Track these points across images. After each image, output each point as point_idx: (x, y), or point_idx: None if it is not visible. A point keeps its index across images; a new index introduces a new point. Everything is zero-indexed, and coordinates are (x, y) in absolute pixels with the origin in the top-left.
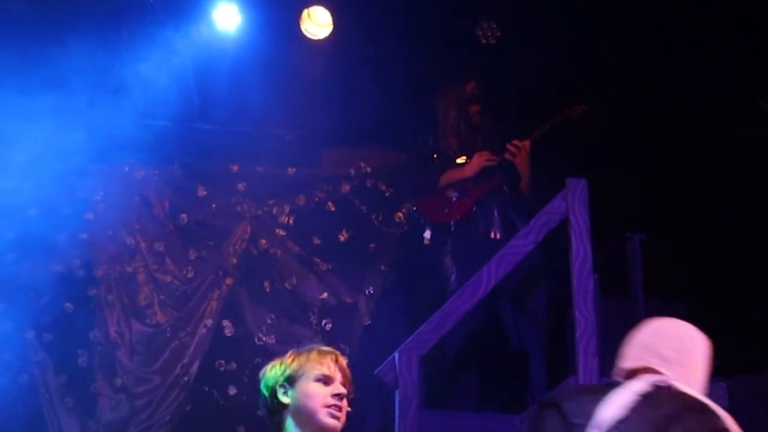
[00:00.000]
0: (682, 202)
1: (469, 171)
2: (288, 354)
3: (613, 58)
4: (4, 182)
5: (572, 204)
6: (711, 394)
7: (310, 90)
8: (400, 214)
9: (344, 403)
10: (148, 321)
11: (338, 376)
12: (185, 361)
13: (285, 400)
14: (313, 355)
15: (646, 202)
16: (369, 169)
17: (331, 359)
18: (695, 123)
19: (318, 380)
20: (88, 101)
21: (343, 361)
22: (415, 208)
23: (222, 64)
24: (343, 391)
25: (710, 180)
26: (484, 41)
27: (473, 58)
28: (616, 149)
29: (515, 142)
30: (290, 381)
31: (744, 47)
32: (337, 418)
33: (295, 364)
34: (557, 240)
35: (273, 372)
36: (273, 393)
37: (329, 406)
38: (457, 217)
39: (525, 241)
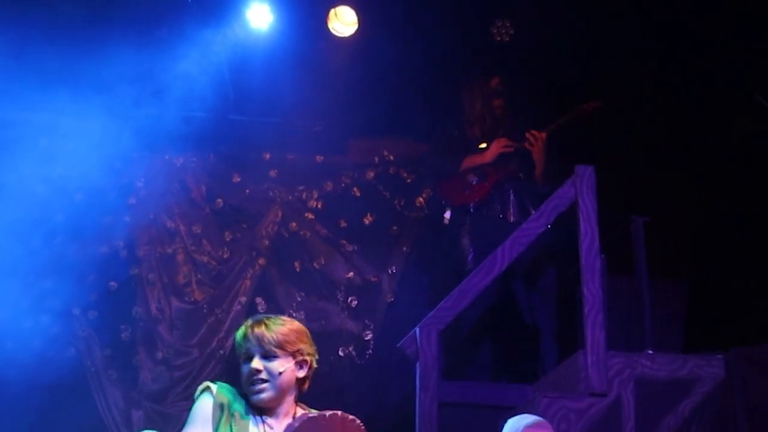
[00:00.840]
0: (683, 189)
1: (488, 156)
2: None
3: (620, 56)
4: (53, 169)
5: (581, 189)
6: (708, 366)
7: (336, 84)
8: (421, 199)
9: (263, 373)
10: (186, 298)
11: (257, 350)
12: (221, 335)
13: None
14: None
15: (649, 188)
16: (392, 158)
17: (249, 329)
18: (695, 117)
19: (241, 358)
20: (132, 96)
21: (262, 328)
22: (437, 191)
23: (255, 60)
24: (256, 365)
25: (708, 169)
26: (499, 38)
27: (489, 55)
28: (622, 139)
29: (533, 132)
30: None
31: (743, 46)
32: (259, 392)
33: None
34: (567, 223)
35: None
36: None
37: (249, 383)
38: (476, 200)
39: (537, 224)
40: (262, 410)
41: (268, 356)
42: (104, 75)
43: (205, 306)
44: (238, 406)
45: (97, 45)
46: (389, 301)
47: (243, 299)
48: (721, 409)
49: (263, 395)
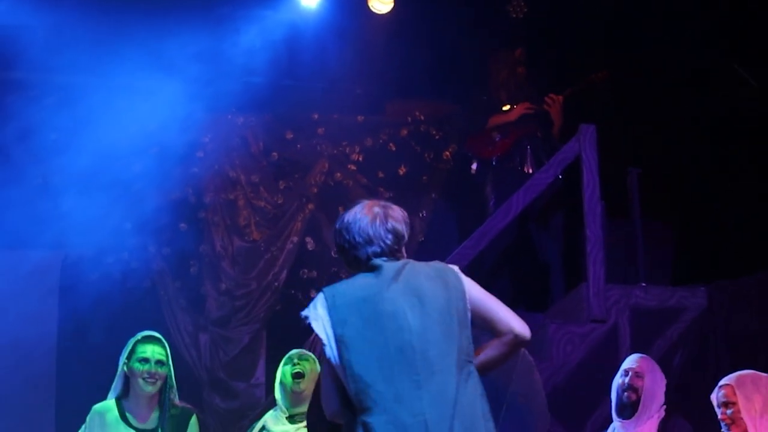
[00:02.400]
0: (672, 145)
1: (512, 116)
2: (400, 210)
3: (617, 31)
4: (131, 126)
5: (584, 145)
6: (692, 297)
7: (375, 54)
8: (447, 153)
9: None
10: (246, 238)
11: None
12: (276, 270)
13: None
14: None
15: (643, 144)
16: (422, 117)
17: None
18: (682, 83)
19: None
20: (200, 64)
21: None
22: (465, 145)
23: (305, 32)
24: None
25: (694, 126)
26: (514, 15)
27: (507, 29)
28: (620, 102)
29: (552, 95)
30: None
31: (728, 22)
32: None
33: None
34: (572, 173)
35: (405, 226)
36: (401, 243)
37: None
38: (498, 154)
39: (547, 175)
40: None
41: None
42: (177, 46)
43: (262, 244)
44: None
45: (171, 21)
46: (420, 240)
47: (294, 239)
48: (703, 333)
49: None
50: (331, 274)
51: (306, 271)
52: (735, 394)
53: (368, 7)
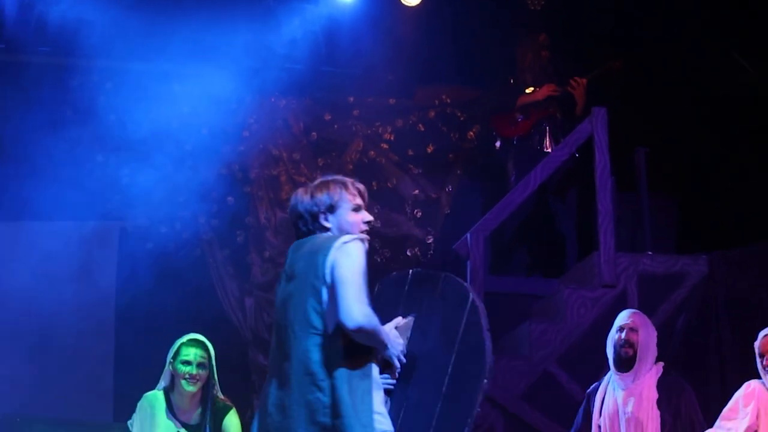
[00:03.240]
0: (676, 126)
1: (539, 95)
2: (319, 184)
3: (632, 19)
4: (182, 108)
5: (596, 125)
6: (695, 264)
7: (405, 43)
8: (471, 133)
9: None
10: (287, 210)
11: (364, 204)
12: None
13: (326, 224)
14: (342, 183)
15: (649, 125)
16: (448, 101)
17: (357, 188)
18: (686, 68)
19: (354, 210)
20: (247, 52)
21: (364, 189)
22: (490, 124)
23: (342, 24)
24: (371, 218)
25: (696, 109)
26: (532, 7)
27: (526, 20)
28: (629, 85)
29: (576, 78)
30: (331, 209)
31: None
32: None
33: (334, 196)
34: (585, 152)
35: (312, 201)
36: (315, 218)
37: (362, 231)
38: (520, 134)
39: (562, 153)
40: None
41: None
42: (226, 36)
43: None
44: None
45: (220, 14)
46: (446, 212)
47: None
48: (704, 298)
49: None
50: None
51: None
52: None
53: (399, 0)
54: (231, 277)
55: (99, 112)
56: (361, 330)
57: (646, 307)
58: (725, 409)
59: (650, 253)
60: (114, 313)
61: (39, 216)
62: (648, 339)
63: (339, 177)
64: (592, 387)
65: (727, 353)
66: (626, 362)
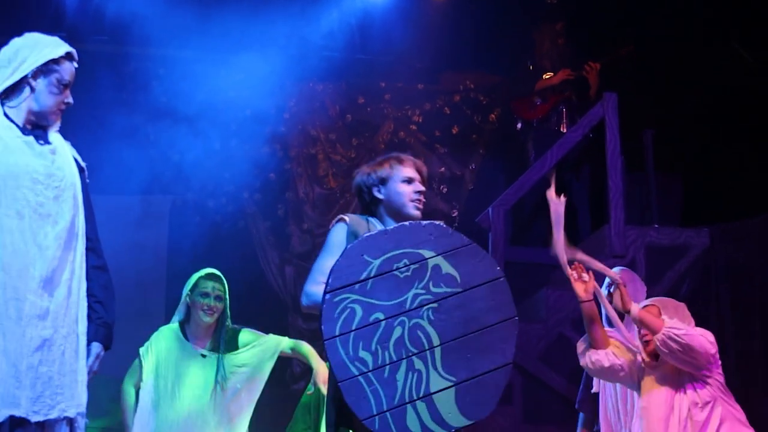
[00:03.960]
0: (681, 110)
1: (555, 80)
2: (378, 160)
3: (642, 10)
4: (228, 92)
5: (607, 109)
6: (697, 237)
7: (432, 32)
8: (493, 116)
9: (422, 195)
10: (324, 186)
11: (417, 177)
12: (349, 212)
13: (379, 196)
14: (396, 158)
15: (656, 109)
16: (472, 86)
17: (411, 162)
18: (691, 56)
19: (403, 181)
20: (287, 41)
21: (420, 164)
22: (511, 107)
23: (375, 15)
24: (423, 188)
25: (699, 94)
26: (549, 1)
27: (544, 13)
28: (638, 72)
29: (590, 63)
30: (383, 182)
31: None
32: (419, 209)
33: (387, 169)
34: (598, 133)
35: (368, 175)
36: (370, 190)
37: (413, 201)
38: (539, 116)
39: (576, 134)
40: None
41: (423, 184)
42: (268, 27)
43: (337, 191)
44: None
45: (264, 6)
46: (470, 188)
47: None
48: (706, 267)
49: (419, 212)
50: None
51: None
52: None
53: None
54: (272, 247)
55: (152, 96)
56: (304, 308)
57: (652, 275)
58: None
59: (656, 226)
60: (165, 280)
61: (100, 191)
62: (636, 294)
63: (397, 153)
64: None
65: (725, 316)
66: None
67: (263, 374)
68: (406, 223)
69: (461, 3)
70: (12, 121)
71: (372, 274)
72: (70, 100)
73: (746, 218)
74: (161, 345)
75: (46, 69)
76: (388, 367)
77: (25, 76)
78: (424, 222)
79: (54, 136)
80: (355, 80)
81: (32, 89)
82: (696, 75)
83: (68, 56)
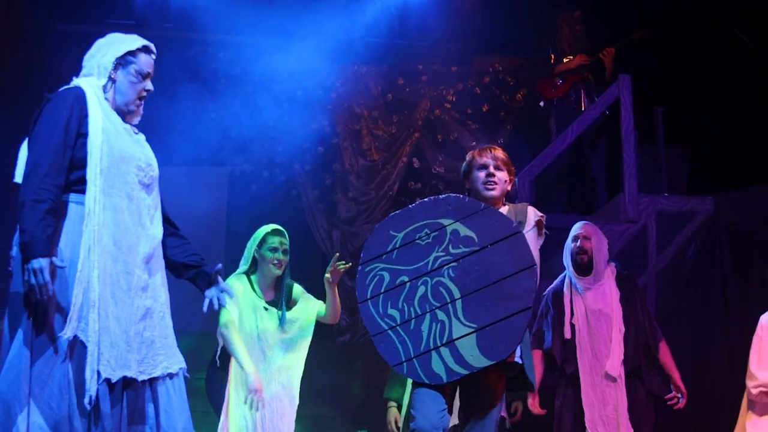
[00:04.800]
0: (688, 89)
1: (572, 65)
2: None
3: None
4: (282, 74)
5: (622, 89)
6: (703, 204)
7: (465, 19)
8: (519, 95)
9: (497, 177)
10: (368, 158)
11: (491, 163)
12: (390, 182)
13: (467, 185)
14: (477, 151)
15: (666, 88)
16: (500, 68)
17: (488, 151)
18: (698, 38)
19: (478, 168)
20: (334, 27)
21: (498, 151)
22: (535, 87)
23: (412, 2)
24: (492, 171)
25: (705, 74)
26: None
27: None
28: (650, 54)
29: (607, 48)
30: (467, 174)
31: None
32: (491, 189)
33: (468, 161)
34: (613, 110)
35: (465, 165)
36: (465, 179)
37: (485, 183)
38: (559, 95)
39: (594, 111)
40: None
41: (498, 168)
42: (317, 15)
43: (380, 163)
44: None
45: (314, 0)
46: None
47: (404, 159)
48: (710, 231)
49: (493, 192)
50: (431, 186)
51: (413, 183)
52: None
53: None
54: (321, 214)
55: (213, 77)
56: None
57: (663, 238)
58: (754, 354)
59: (666, 194)
60: (224, 244)
61: (165, 162)
62: (600, 245)
63: (483, 145)
64: (548, 290)
65: (728, 274)
66: (583, 267)
67: (309, 329)
68: (426, 199)
69: None
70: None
71: (397, 245)
72: (151, 87)
73: (747, 187)
74: (238, 292)
75: (124, 61)
76: (413, 320)
77: (108, 70)
78: (443, 195)
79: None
80: (395, 63)
81: (113, 81)
82: (701, 57)
83: (145, 49)
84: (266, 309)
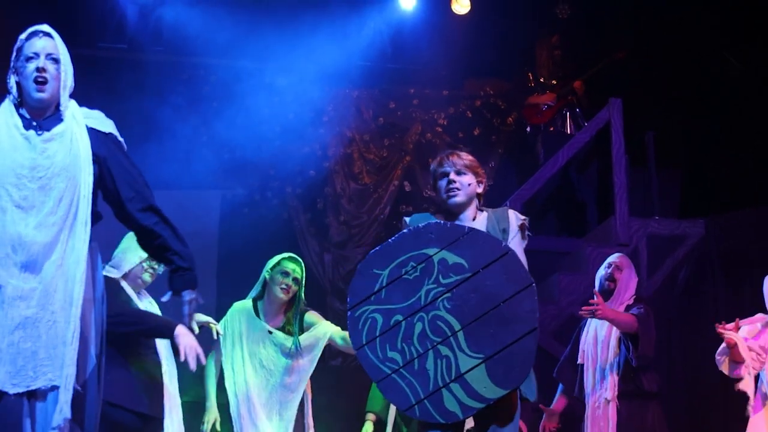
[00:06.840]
0: (678, 113)
1: (541, 100)
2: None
3: (644, 14)
4: (274, 97)
5: (612, 113)
6: (694, 227)
7: (456, 44)
8: (510, 119)
9: (458, 183)
10: (359, 182)
11: (451, 169)
12: (381, 206)
13: (437, 197)
14: (437, 159)
15: (656, 112)
16: (491, 92)
17: (446, 158)
18: (689, 62)
19: (440, 177)
20: (325, 52)
21: (457, 156)
22: (521, 113)
23: (404, 28)
24: (452, 177)
25: (695, 98)
26: (561, 16)
27: (555, 27)
28: (640, 78)
29: (572, 86)
30: (433, 184)
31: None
32: (454, 196)
33: (432, 170)
34: (604, 134)
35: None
36: (433, 190)
37: (447, 191)
38: (545, 121)
39: (584, 135)
40: (453, 215)
41: (459, 173)
42: (309, 41)
43: (371, 187)
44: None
45: (304, 21)
46: (489, 183)
47: (395, 182)
48: (701, 254)
49: (456, 198)
50: (422, 209)
51: (404, 207)
52: None
53: (451, 9)
54: (312, 237)
55: (204, 100)
56: None
57: (654, 261)
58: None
59: (657, 217)
60: (216, 267)
61: (158, 186)
62: (629, 280)
63: (444, 152)
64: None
65: (720, 297)
66: (606, 294)
67: (316, 354)
68: (405, 230)
69: (483, 19)
70: (23, 117)
71: (384, 284)
72: (41, 64)
73: (736, 211)
74: (235, 321)
75: (17, 60)
76: (416, 360)
77: (13, 77)
78: (422, 224)
79: (68, 113)
80: (386, 87)
81: (18, 82)
82: (691, 81)
83: (30, 35)
84: (270, 333)
